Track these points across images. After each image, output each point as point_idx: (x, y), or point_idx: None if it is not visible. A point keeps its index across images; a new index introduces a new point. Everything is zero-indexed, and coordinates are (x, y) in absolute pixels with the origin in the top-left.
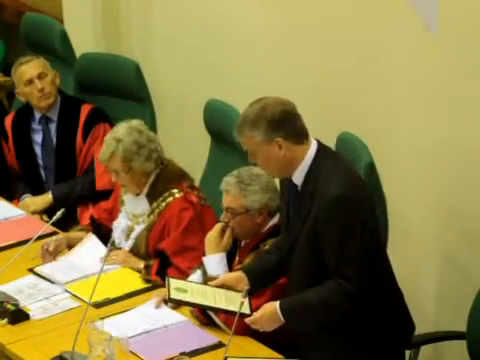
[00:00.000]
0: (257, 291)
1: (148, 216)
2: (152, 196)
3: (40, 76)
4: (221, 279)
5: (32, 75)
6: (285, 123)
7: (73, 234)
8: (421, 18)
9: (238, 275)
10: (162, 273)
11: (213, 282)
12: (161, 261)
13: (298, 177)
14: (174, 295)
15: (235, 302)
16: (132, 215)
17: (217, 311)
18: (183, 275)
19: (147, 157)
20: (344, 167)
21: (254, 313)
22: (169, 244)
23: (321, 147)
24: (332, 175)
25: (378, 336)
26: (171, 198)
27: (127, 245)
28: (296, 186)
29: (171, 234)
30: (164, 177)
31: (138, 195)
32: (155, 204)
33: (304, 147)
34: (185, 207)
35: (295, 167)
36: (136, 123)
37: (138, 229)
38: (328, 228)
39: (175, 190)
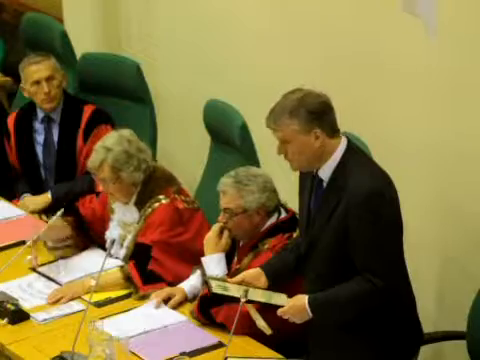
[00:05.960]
0: (276, 287)
1: (137, 223)
2: (140, 204)
3: (49, 79)
4: (241, 275)
5: (41, 77)
6: (323, 115)
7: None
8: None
9: (257, 271)
10: (143, 270)
11: (233, 279)
12: (139, 259)
13: (326, 172)
14: (216, 290)
15: (272, 297)
16: (123, 223)
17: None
18: (163, 269)
19: (136, 167)
20: (373, 165)
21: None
22: (148, 238)
23: (350, 144)
24: (363, 172)
25: (391, 339)
26: (157, 203)
27: (121, 254)
28: (321, 181)
29: (150, 230)
30: (151, 184)
31: (126, 204)
32: (142, 211)
33: (335, 141)
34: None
35: (324, 160)
36: (126, 133)
37: (130, 237)
38: (360, 224)
39: (161, 196)
